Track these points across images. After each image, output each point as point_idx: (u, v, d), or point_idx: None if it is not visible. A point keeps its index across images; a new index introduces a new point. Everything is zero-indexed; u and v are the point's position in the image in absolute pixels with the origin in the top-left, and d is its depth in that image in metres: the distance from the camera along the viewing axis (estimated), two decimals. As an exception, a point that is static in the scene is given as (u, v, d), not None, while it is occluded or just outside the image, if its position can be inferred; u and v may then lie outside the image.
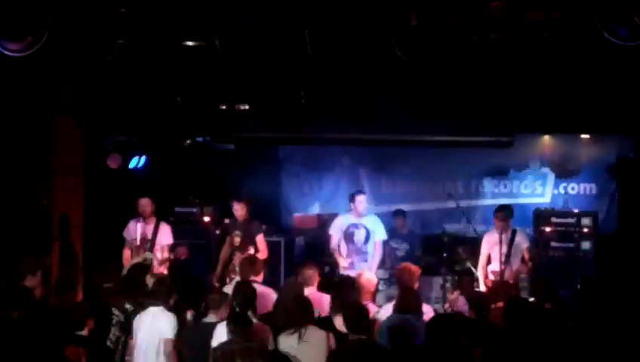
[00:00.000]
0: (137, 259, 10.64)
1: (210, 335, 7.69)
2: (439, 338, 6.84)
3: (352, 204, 11.46)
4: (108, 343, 8.24)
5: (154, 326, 7.97)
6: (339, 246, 11.40)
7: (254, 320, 7.80)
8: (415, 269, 9.33)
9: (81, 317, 7.84)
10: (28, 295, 8.11)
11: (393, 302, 8.56)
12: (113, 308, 8.39)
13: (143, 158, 12.65)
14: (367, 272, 9.89)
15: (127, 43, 8.87)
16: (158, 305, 8.05)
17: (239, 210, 11.27)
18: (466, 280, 11.74)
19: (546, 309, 8.25)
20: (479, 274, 11.18)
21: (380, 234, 11.40)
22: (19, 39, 7.81)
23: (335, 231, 11.48)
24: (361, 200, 11.40)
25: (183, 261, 11.32)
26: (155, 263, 10.91)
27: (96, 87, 11.69)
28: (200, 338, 7.88)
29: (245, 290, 8.20)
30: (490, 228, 12.13)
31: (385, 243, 11.54)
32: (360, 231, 11.36)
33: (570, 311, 8.62)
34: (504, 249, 10.96)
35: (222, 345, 7.14)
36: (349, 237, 11.39)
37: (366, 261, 11.17)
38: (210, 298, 8.30)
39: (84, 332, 7.84)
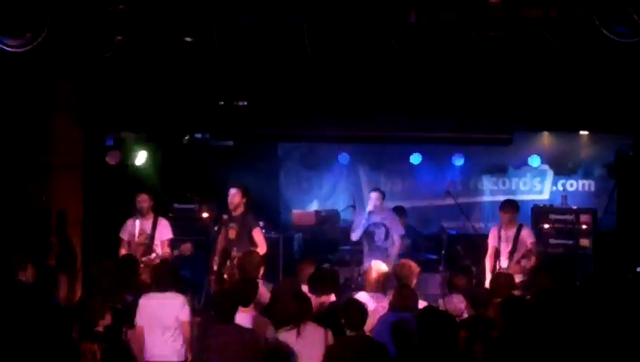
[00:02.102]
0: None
1: None
2: (431, 334, 6.81)
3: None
4: None
5: (164, 313, 8.04)
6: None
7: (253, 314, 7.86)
8: (415, 266, 9.31)
9: (97, 314, 7.83)
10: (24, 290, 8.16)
11: (389, 299, 8.56)
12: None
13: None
14: (377, 263, 9.86)
15: (125, 40, 8.87)
16: (164, 291, 8.12)
17: (232, 194, 11.14)
18: (464, 278, 11.72)
19: (545, 305, 8.24)
20: (487, 267, 11.13)
21: (397, 229, 11.62)
22: (18, 35, 7.80)
23: (356, 228, 11.74)
24: (372, 197, 11.71)
25: (186, 257, 11.32)
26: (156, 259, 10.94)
27: (95, 84, 11.69)
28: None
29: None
30: (489, 225, 12.13)
31: (402, 237, 11.72)
32: (380, 230, 11.58)
33: (567, 308, 8.60)
34: (508, 245, 10.94)
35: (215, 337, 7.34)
36: (370, 235, 11.63)
37: (387, 256, 11.21)
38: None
39: (100, 329, 7.84)
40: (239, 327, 7.55)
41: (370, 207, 11.66)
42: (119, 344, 8.04)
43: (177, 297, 8.15)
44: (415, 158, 14.15)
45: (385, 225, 11.61)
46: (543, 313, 7.75)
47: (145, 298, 8.26)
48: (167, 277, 8.28)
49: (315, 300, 8.47)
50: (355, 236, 11.79)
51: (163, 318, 8.09)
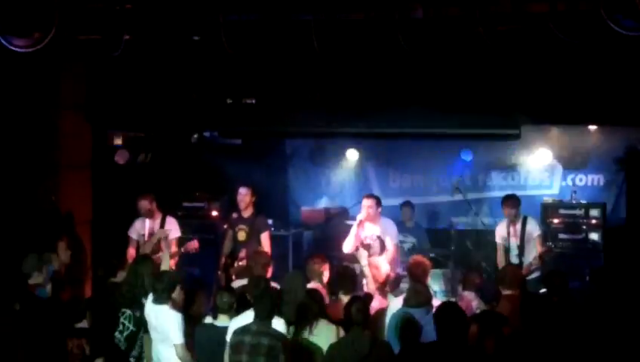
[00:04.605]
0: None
1: (223, 340, 7.64)
2: (448, 329, 6.79)
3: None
4: (117, 335, 8.23)
5: (159, 326, 7.92)
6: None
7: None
8: (428, 263, 9.30)
9: (80, 310, 7.82)
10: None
11: (403, 296, 8.55)
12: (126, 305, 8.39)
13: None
14: (376, 260, 9.84)
15: (133, 39, 8.88)
16: (161, 303, 7.93)
17: (243, 194, 11.18)
18: (477, 277, 11.69)
19: (555, 302, 8.24)
20: (500, 265, 11.08)
21: (392, 237, 10.90)
22: (26, 35, 7.81)
23: (349, 238, 10.93)
24: (364, 204, 10.93)
25: (192, 255, 11.33)
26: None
27: (104, 83, 11.71)
28: (212, 342, 7.83)
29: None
30: (498, 220, 12.11)
31: (396, 246, 10.98)
32: (375, 243, 10.78)
33: (578, 303, 8.60)
34: (516, 241, 10.92)
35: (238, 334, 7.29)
36: (366, 248, 10.69)
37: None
38: (221, 301, 8.06)
39: (86, 324, 7.83)
40: (268, 330, 7.43)
41: (361, 216, 10.85)
42: (108, 339, 8.05)
43: (171, 315, 7.83)
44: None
45: (379, 238, 10.77)
46: (559, 309, 7.76)
47: (147, 305, 8.15)
48: (165, 289, 7.96)
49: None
50: (346, 248, 10.89)
51: (158, 332, 7.96)
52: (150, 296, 8.14)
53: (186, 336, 7.83)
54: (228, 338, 7.57)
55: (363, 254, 10.11)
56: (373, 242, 10.75)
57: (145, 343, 8.27)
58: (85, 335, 7.79)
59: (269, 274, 9.45)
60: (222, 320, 7.96)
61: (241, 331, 7.41)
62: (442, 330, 6.74)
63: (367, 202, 10.90)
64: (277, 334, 7.40)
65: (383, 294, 9.26)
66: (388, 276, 9.49)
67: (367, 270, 9.65)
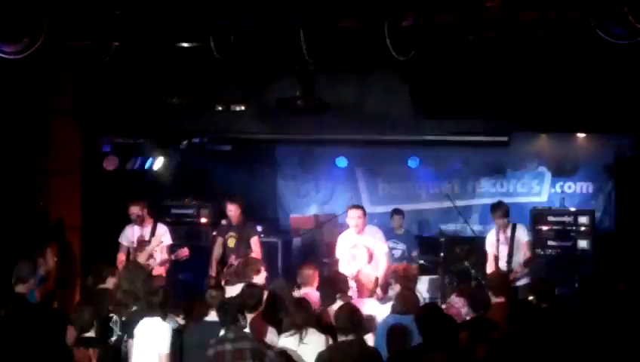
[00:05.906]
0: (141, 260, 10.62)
1: (214, 335, 7.57)
2: (432, 331, 6.78)
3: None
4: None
5: (149, 339, 7.80)
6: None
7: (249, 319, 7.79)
8: (415, 270, 9.31)
9: (89, 319, 7.79)
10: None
11: (391, 303, 8.55)
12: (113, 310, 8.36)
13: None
14: (366, 268, 9.83)
15: (123, 44, 8.87)
16: (153, 316, 7.86)
17: (233, 210, 11.26)
18: (463, 281, 11.71)
19: (543, 308, 8.26)
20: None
21: (380, 248, 10.53)
22: (15, 41, 7.79)
23: (339, 253, 10.67)
24: (352, 215, 10.52)
25: (183, 262, 11.31)
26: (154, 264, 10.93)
27: (93, 89, 11.70)
28: (203, 338, 7.74)
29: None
30: (487, 227, 12.12)
31: (387, 254, 10.66)
32: (361, 252, 10.47)
33: (567, 309, 8.61)
34: (506, 248, 10.93)
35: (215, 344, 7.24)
36: (351, 259, 10.48)
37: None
38: (210, 296, 8.09)
39: (92, 334, 7.79)
40: (246, 335, 7.41)
41: (351, 226, 10.48)
42: (113, 350, 8.02)
43: (161, 326, 7.77)
44: (412, 162, 14.14)
45: (366, 247, 10.44)
46: (548, 316, 7.77)
47: (136, 314, 8.06)
48: (159, 302, 7.86)
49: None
50: (343, 268, 10.29)
51: (144, 345, 7.82)
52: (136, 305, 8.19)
53: (172, 347, 7.76)
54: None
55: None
56: (358, 253, 10.51)
57: (130, 348, 8.22)
58: (94, 344, 7.73)
59: (261, 281, 9.41)
60: (212, 316, 7.92)
61: (217, 341, 7.36)
62: (426, 333, 6.77)
63: (356, 213, 10.51)
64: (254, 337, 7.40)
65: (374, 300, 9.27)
66: (376, 281, 9.48)
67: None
